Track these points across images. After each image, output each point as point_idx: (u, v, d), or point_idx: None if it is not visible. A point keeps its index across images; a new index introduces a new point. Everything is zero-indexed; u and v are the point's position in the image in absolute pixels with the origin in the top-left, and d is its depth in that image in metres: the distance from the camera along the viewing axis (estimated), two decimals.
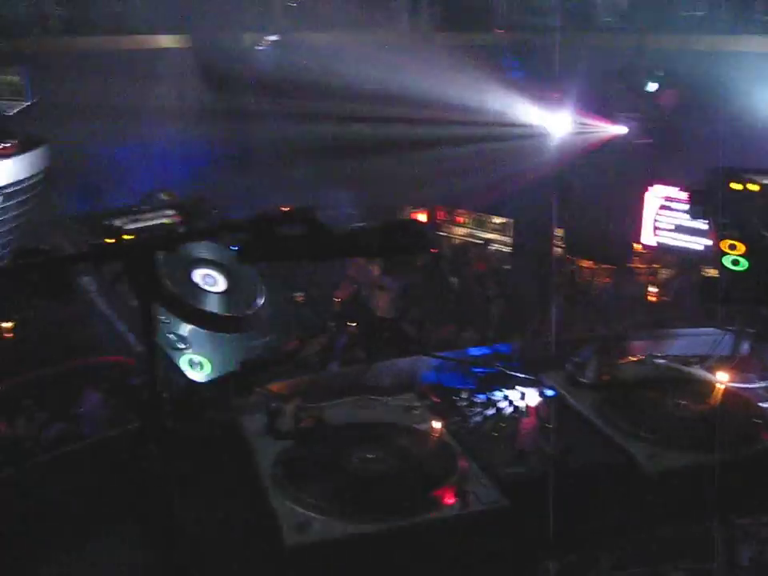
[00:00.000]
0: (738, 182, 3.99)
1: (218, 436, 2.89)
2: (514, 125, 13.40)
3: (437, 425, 3.06)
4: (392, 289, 14.21)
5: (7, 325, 13.09)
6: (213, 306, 2.59)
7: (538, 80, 13.12)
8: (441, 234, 20.21)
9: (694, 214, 4.02)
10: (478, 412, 3.19)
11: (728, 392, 3.47)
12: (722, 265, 3.68)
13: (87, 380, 11.12)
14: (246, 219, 1.94)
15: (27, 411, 10.22)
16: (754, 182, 4.02)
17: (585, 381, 3.52)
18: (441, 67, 13.66)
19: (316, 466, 2.69)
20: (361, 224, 2.04)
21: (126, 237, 2.53)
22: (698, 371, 3.78)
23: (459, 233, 20.09)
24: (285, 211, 1.96)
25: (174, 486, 2.13)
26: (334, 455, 2.71)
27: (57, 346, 12.46)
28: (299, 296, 2.43)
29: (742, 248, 3.71)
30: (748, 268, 3.65)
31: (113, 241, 2.45)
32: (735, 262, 3.68)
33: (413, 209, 18.29)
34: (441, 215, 19.84)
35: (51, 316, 12.51)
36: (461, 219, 20.01)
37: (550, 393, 3.40)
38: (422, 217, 18.91)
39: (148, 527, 2.63)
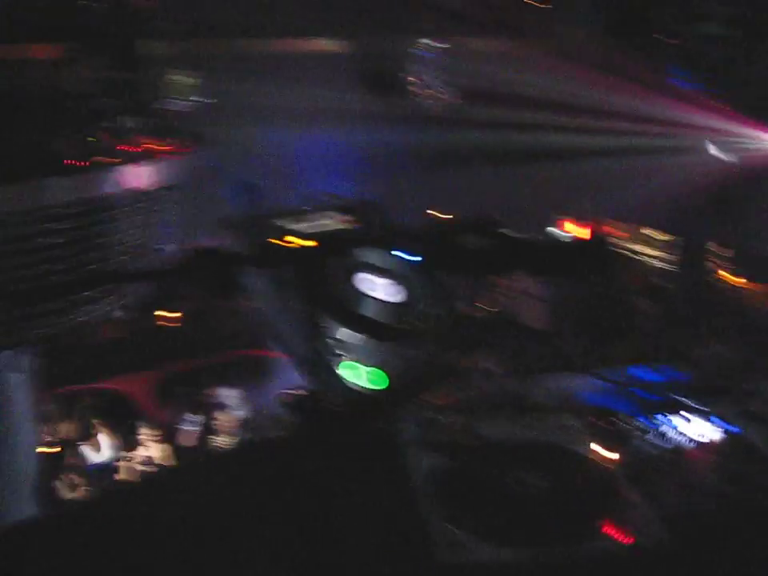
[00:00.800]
0: None
1: (373, 444, 2.84)
2: (679, 136, 12.86)
3: (600, 450, 2.89)
4: (544, 298, 13.90)
5: (174, 315, 13.74)
6: (376, 313, 2.51)
7: (705, 90, 12.53)
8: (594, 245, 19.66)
9: None
10: (646, 440, 2.99)
11: None
12: None
13: (238, 372, 11.50)
14: (426, 227, 1.84)
15: (183, 399, 10.64)
16: None
17: (757, 411, 3.26)
18: (605, 76, 13.30)
19: (471, 483, 2.58)
20: (547, 238, 1.92)
21: (292, 238, 2.50)
22: None
23: (620, 247, 19.50)
24: (469, 220, 1.84)
25: (330, 490, 2.09)
26: (490, 474, 2.59)
27: (215, 337, 12.96)
28: (464, 308, 2.34)
29: None
30: None
31: (280, 242, 2.42)
32: None
33: (573, 221, 17.89)
34: (602, 229, 19.30)
35: (214, 309, 13.04)
36: (613, 231, 19.42)
37: (725, 426, 3.16)
38: (584, 230, 18.46)
39: (303, 529, 2.60)
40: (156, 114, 9.20)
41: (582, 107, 14.32)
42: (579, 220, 18.01)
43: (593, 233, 18.96)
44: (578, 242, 2.04)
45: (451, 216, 13.98)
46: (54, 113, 8.13)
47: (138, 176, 7.56)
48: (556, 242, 2.08)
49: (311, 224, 2.70)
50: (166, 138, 8.67)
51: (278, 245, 2.43)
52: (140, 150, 8.19)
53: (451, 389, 2.86)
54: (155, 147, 8.44)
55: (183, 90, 10.05)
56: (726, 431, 3.15)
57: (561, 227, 18.11)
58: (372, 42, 13.46)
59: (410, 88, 13.48)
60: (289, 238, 2.55)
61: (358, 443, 2.73)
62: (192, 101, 9.43)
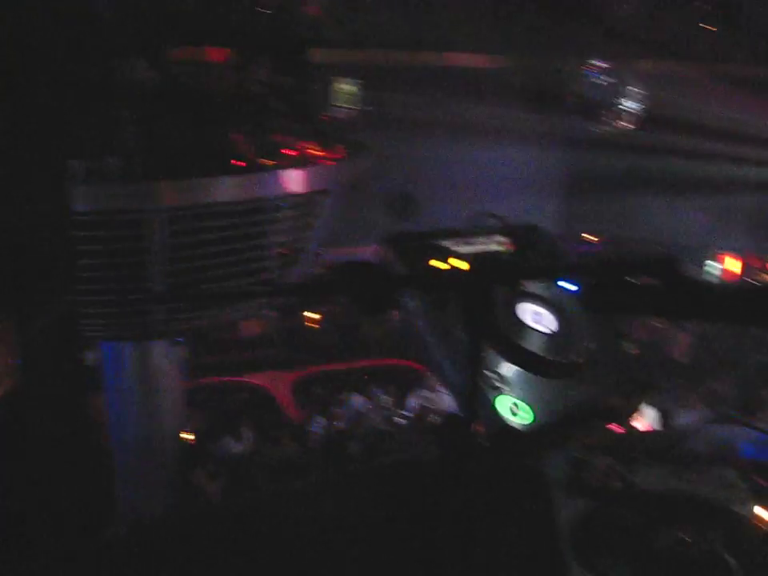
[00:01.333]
0: None
1: (518, 481, 2.74)
2: None
3: (761, 512, 2.67)
4: (691, 332, 13.28)
5: (315, 316, 14.01)
6: (538, 346, 2.40)
7: None
8: (749, 281, 18.68)
9: None
10: None
11: None
12: None
13: (376, 379, 11.57)
14: (596, 261, 1.73)
15: (320, 401, 10.80)
16: None
17: None
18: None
19: (621, 535, 2.42)
20: (723, 282, 1.76)
21: (453, 260, 2.43)
22: None
23: None
24: (643, 259, 1.72)
25: (468, 523, 2.01)
26: (643, 527, 2.43)
27: (353, 342, 13.11)
28: (632, 348, 2.21)
29: None
30: None
31: (440, 262, 2.36)
32: None
33: (725, 252, 17.05)
34: (754, 263, 18.32)
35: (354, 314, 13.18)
36: None
37: None
38: (736, 263, 17.57)
39: (436, 560, 2.53)
40: (318, 120, 9.37)
41: (750, 136, 13.65)
42: (740, 255, 17.15)
43: (746, 269, 18.02)
44: (757, 288, 1.86)
45: (615, 244, 13.64)
46: (225, 114, 8.41)
47: (299, 180, 7.71)
48: (737, 287, 1.90)
49: (473, 247, 2.62)
50: (326, 144, 8.81)
51: (438, 266, 2.37)
52: (301, 154, 8.36)
53: (605, 430, 2.71)
54: (316, 152, 8.59)
55: (345, 98, 10.21)
56: None
57: (720, 261, 17.29)
58: (542, 61, 13.27)
59: (579, 109, 13.19)
60: (450, 260, 2.48)
61: (502, 478, 2.63)
62: (353, 109, 9.55)
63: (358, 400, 10.71)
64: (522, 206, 12.41)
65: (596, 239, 14.37)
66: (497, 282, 1.71)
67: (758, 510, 2.66)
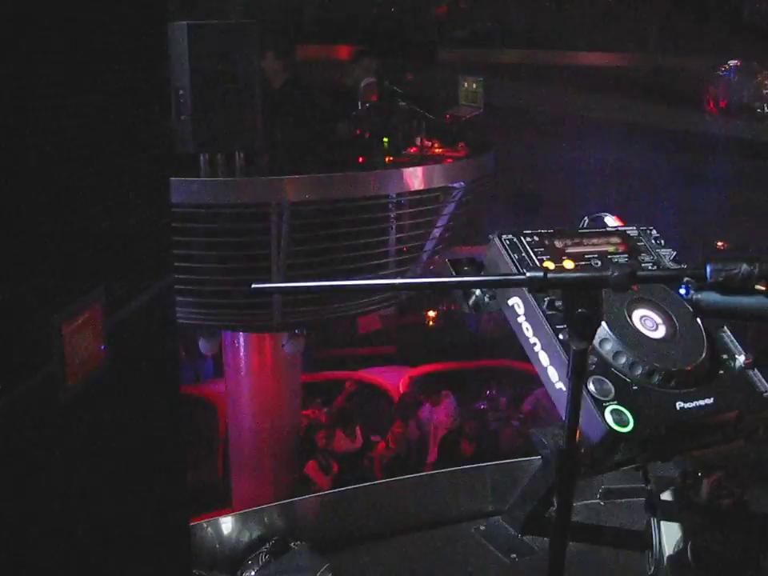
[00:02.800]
0: None
1: (627, 496, 2.66)
2: None
3: None
4: None
5: (432, 314, 14.08)
6: (648, 354, 2.31)
7: None
8: None
9: None
10: None
11: None
12: None
13: (493, 379, 11.49)
14: (716, 267, 1.64)
15: (434, 400, 10.79)
16: None
17: None
18: None
19: (730, 560, 2.30)
20: None
21: (567, 261, 2.37)
22: None
23: None
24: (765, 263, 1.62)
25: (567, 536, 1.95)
26: (755, 551, 2.30)
27: (469, 341, 13.07)
28: (749, 358, 2.07)
29: None
30: None
31: (552, 264, 2.31)
32: None
33: None
34: None
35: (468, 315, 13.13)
36: None
37: None
38: None
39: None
40: (442, 117, 9.38)
41: None
42: None
43: None
44: None
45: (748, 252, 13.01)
46: (352, 111, 8.53)
47: (421, 177, 7.74)
48: None
49: (587, 248, 2.55)
50: (450, 142, 8.81)
51: (550, 268, 2.31)
52: (427, 152, 8.40)
53: (721, 445, 2.58)
54: (439, 150, 8.60)
55: (470, 96, 10.16)
56: None
57: None
58: (677, 60, 12.85)
59: (711, 108, 12.72)
60: (565, 261, 2.42)
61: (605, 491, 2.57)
62: (477, 107, 9.49)
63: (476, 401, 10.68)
64: (644, 208, 12.12)
65: (725, 246, 13.79)
66: (610, 286, 1.64)
67: None
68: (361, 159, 7.89)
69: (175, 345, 2.37)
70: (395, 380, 11.80)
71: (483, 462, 3.41)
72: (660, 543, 2.37)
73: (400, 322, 13.85)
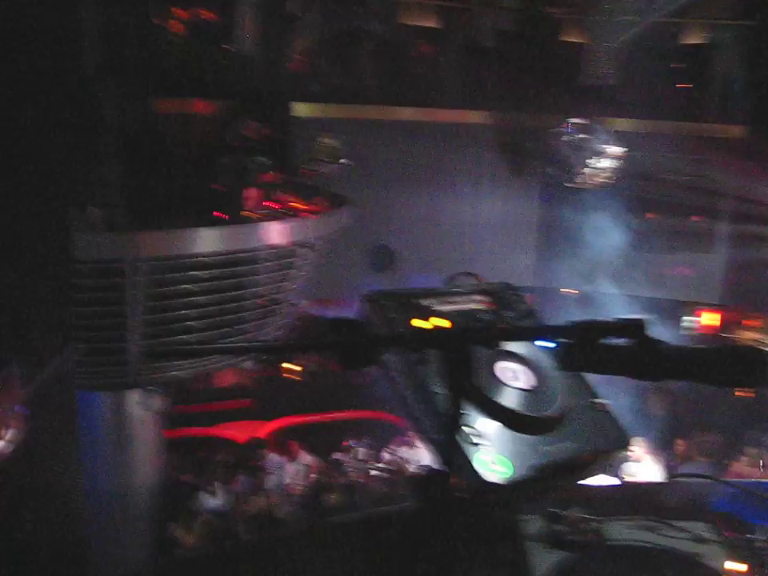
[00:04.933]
0: None
1: (495, 535, 2.79)
2: None
3: (733, 566, 2.73)
4: (668, 389, 13.47)
5: (296, 368, 14.01)
6: (514, 403, 2.47)
7: None
8: (725, 336, 18.94)
9: None
10: None
11: None
12: None
13: (353, 431, 11.57)
14: (571, 324, 1.84)
15: (293, 452, 10.76)
16: None
17: None
18: (751, 163, 12.95)
19: None
20: (698, 346, 1.87)
21: (435, 320, 2.52)
22: None
23: (746, 337, 18.71)
24: (615, 322, 1.83)
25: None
26: None
27: (330, 394, 13.11)
28: (600, 403, 2.27)
29: None
30: None
31: (423, 323, 2.45)
32: None
33: (702, 306, 17.32)
34: (732, 316, 18.61)
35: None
36: (751, 323, 18.65)
37: None
38: (713, 317, 17.83)
39: None
40: (300, 173, 9.52)
41: (725, 193, 13.98)
42: (718, 310, 17.41)
43: (721, 319, 18.30)
44: (730, 351, 1.94)
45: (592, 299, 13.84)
46: (208, 165, 8.54)
47: (280, 232, 7.82)
48: (706, 350, 2.00)
49: (453, 306, 2.70)
50: (308, 198, 8.95)
51: (420, 325, 2.45)
52: (283, 207, 8.49)
53: (582, 484, 2.79)
54: (298, 206, 8.73)
55: (327, 152, 10.38)
56: None
57: (698, 316, 17.55)
58: (521, 118, 13.57)
59: (557, 165, 13.48)
60: (432, 320, 2.56)
61: (480, 532, 2.69)
62: (336, 163, 9.72)
63: (341, 451, 10.72)
64: (499, 260, 12.68)
65: (574, 293, 14.55)
66: (477, 342, 1.79)
67: (728, 564, 2.73)
68: (221, 214, 7.90)
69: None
70: (256, 435, 11.67)
71: (343, 512, 3.47)
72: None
73: (261, 375, 13.75)
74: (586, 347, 1.82)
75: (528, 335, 2.31)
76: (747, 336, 18.70)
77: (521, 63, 13.74)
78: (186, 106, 10.82)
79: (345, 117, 12.83)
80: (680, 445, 11.30)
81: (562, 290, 14.68)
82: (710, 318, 17.81)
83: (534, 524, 2.76)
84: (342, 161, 9.45)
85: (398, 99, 13.56)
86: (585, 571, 2.57)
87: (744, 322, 18.76)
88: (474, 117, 14.21)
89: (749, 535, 3.01)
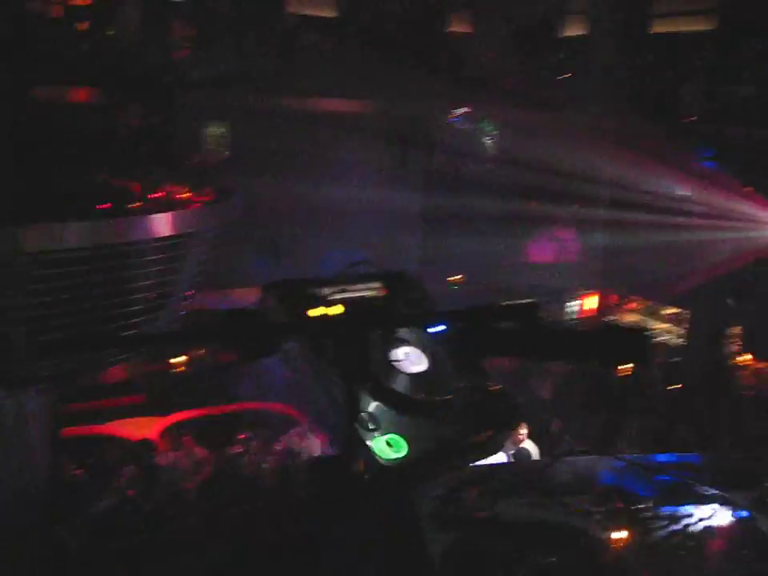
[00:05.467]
0: None
1: (392, 516, 2.85)
2: (699, 215, 12.96)
3: (618, 534, 2.89)
4: (567, 378, 13.91)
5: (179, 360, 13.75)
6: (409, 388, 2.54)
7: (730, 172, 12.66)
8: (607, 319, 19.71)
9: None
10: (663, 526, 2.98)
11: None
12: None
13: (246, 423, 11.49)
14: (463, 309, 1.91)
15: (186, 447, 10.62)
16: None
17: None
18: (632, 153, 13.49)
19: (488, 563, 2.58)
20: (584, 327, 1.97)
21: (333, 308, 2.55)
22: None
23: (629, 320, 19.53)
24: (505, 306, 1.91)
25: (344, 560, 2.10)
26: (508, 554, 2.59)
27: (229, 387, 12.96)
28: (491, 385, 2.36)
29: None
30: None
31: (320, 311, 2.48)
32: None
33: (583, 291, 17.96)
34: (611, 300, 19.36)
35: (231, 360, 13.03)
36: (632, 306, 19.46)
37: (741, 514, 3.14)
38: (593, 300, 18.49)
39: None
40: (186, 162, 9.37)
41: (606, 181, 14.51)
42: (599, 294, 18.08)
43: (606, 307, 19.05)
44: (611, 329, 2.07)
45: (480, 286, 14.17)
46: (88, 156, 8.29)
47: (165, 223, 7.66)
48: (593, 331, 2.11)
49: (347, 294, 2.74)
50: (194, 187, 8.81)
51: (313, 314, 2.48)
52: (169, 197, 8.33)
53: (474, 465, 2.88)
54: (183, 195, 8.58)
55: (214, 140, 10.24)
56: (738, 517, 3.14)
57: (581, 300, 18.18)
58: (405, 106, 13.71)
59: (442, 152, 13.71)
60: (328, 308, 2.60)
61: (377, 514, 2.75)
62: (222, 151, 9.60)
63: (235, 444, 10.62)
64: (389, 247, 12.81)
65: (460, 281, 14.84)
66: (370, 328, 1.84)
67: (614, 533, 2.88)
68: (104, 206, 7.69)
69: None
70: (149, 430, 11.45)
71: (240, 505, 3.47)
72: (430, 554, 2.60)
73: (154, 369, 13.47)
74: (478, 331, 1.90)
75: (422, 321, 2.37)
76: (628, 318, 19.52)
77: (406, 52, 13.89)
78: (67, 94, 10.48)
79: (232, 105, 12.68)
80: (563, 424, 11.74)
81: (449, 278, 14.95)
82: (590, 302, 18.50)
83: (429, 504, 2.85)
84: (225, 149, 9.34)
85: (285, 87, 13.48)
86: (479, 548, 2.66)
87: (625, 305, 19.58)
88: (361, 106, 14.28)
89: (632, 506, 3.18)
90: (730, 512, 3.17)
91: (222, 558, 3.09)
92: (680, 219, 13.33)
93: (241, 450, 10.50)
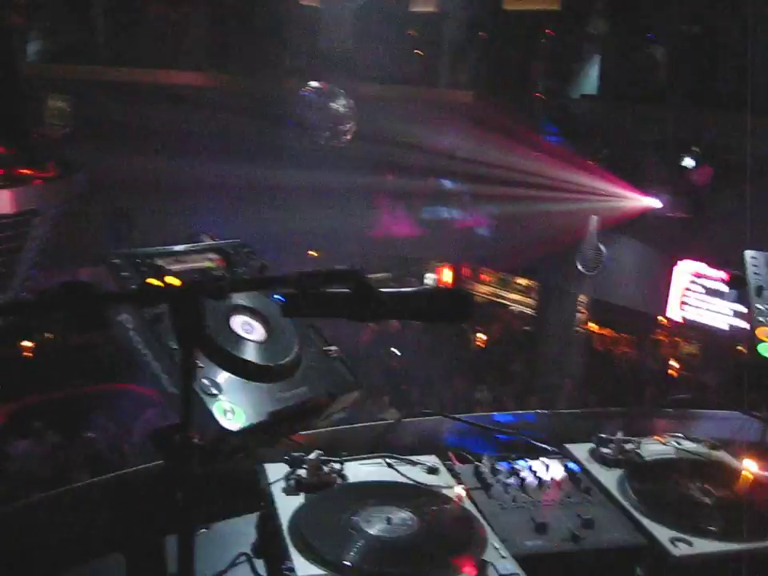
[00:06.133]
0: None
1: (240, 484, 2.89)
2: (546, 188, 13.47)
3: (458, 489, 3.02)
4: (411, 343, 14.26)
5: (28, 344, 13.22)
6: (249, 354, 2.59)
7: (575, 147, 13.21)
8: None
9: (732, 297, 3.99)
10: (501, 480, 3.14)
11: (755, 479, 3.40)
12: (756, 352, 3.64)
13: (99, 405, 11.20)
14: (294, 274, 1.96)
15: (38, 433, 10.26)
16: None
17: (608, 456, 3.46)
18: (478, 127, 13.84)
19: (334, 523, 2.65)
20: (408, 289, 2.07)
21: (169, 278, 2.55)
22: (723, 455, 3.73)
23: (483, 291, 20.16)
24: (333, 270, 1.98)
25: (193, 530, 2.12)
26: (354, 514, 2.68)
27: (73, 369, 12.57)
28: (332, 350, 2.43)
29: None
30: None
31: (156, 281, 2.47)
32: None
33: (438, 263, 18.39)
34: (466, 272, 19.91)
35: (77, 342, 12.62)
36: (485, 278, 20.08)
37: (573, 467, 3.35)
38: (448, 272, 18.97)
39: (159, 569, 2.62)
40: (28, 137, 8.99)
41: (459, 156, 14.82)
42: (445, 263, 18.53)
43: (461, 279, 19.61)
44: (438, 292, 2.18)
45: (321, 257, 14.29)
46: None
47: (8, 201, 7.36)
48: (417, 292, 2.22)
49: (186, 264, 2.75)
50: (37, 163, 8.48)
51: (154, 284, 2.47)
52: (9, 173, 8.00)
53: (318, 429, 2.96)
54: (25, 172, 8.25)
55: (58, 114, 9.85)
56: (571, 469, 3.34)
57: (438, 273, 18.62)
58: (261, 81, 13.57)
59: (294, 127, 13.67)
60: (166, 278, 2.59)
61: (222, 480, 2.78)
62: (64, 126, 9.25)
63: (85, 425, 10.36)
64: (241, 221, 12.72)
65: (318, 254, 14.91)
66: (205, 295, 1.87)
67: (457, 488, 3.01)
68: None
69: None
70: None
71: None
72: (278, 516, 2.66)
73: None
74: (307, 295, 1.96)
75: (253, 286, 2.40)
76: (481, 289, 20.14)
77: (259, 26, 13.74)
78: None
79: (76, 77, 12.20)
80: (422, 391, 12.07)
81: (309, 252, 15.01)
82: (446, 274, 18.99)
83: (275, 469, 2.89)
84: (69, 123, 9.01)
85: (131, 60, 13.09)
86: (326, 511, 2.73)
87: (479, 276, 20.19)
88: (213, 80, 14.05)
89: (475, 463, 3.33)
90: (564, 464, 3.37)
91: (67, 530, 3.03)
92: (530, 192, 13.81)
93: (93, 432, 10.26)
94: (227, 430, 2.36)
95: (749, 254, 4.06)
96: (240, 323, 2.60)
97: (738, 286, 3.94)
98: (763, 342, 3.64)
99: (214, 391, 2.40)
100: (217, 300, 1.91)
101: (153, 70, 13.46)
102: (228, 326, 2.56)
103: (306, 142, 13.48)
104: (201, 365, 2.39)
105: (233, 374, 2.50)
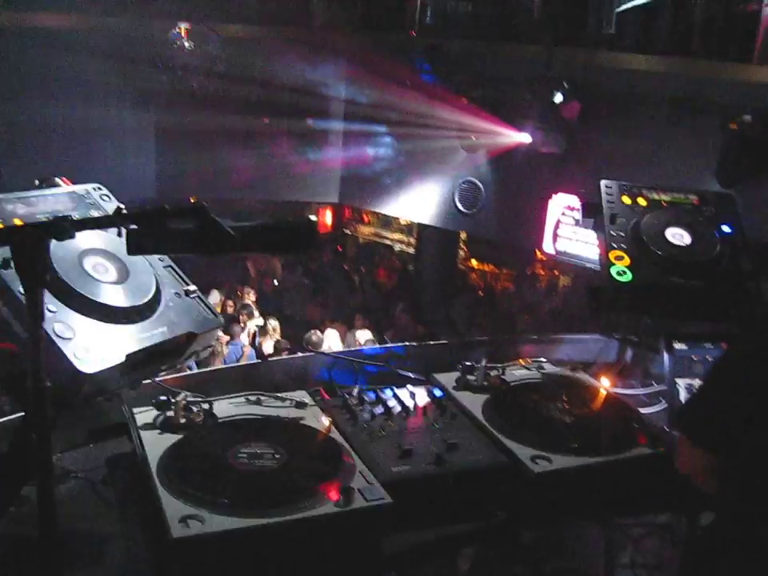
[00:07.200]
0: (629, 196, 4.18)
1: (104, 428, 2.87)
2: (419, 126, 13.53)
3: (325, 421, 3.10)
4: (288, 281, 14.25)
5: None
6: (104, 296, 2.56)
7: (447, 84, 13.27)
8: (346, 232, 20.36)
9: (586, 225, 4.18)
10: (367, 410, 3.24)
11: (610, 397, 3.61)
12: (609, 274, 3.84)
13: None
14: (136, 210, 1.95)
15: None
16: (643, 197, 4.22)
17: (473, 383, 3.61)
18: (352, 65, 13.78)
19: (203, 460, 2.69)
20: (255, 222, 2.08)
21: (18, 221, 2.49)
22: (583, 376, 3.94)
23: (365, 232, 20.29)
24: (175, 205, 1.98)
25: (54, 476, 2.11)
26: (222, 450, 2.72)
27: None
28: (191, 289, 2.41)
29: (627, 260, 3.87)
30: (632, 279, 3.81)
31: (1, 226, 2.41)
32: (621, 273, 3.83)
33: (318, 206, 18.33)
34: (347, 214, 19.96)
35: None
36: (367, 219, 20.20)
37: (438, 393, 3.48)
38: (328, 214, 18.96)
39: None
40: None
41: (335, 96, 14.72)
42: (325, 204, 18.48)
43: (343, 221, 19.65)
44: (281, 223, 2.20)
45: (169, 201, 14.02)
46: None
47: None
48: (261, 224, 2.23)
49: (38, 209, 2.69)
50: None
51: (3, 228, 2.41)
52: None
53: (184, 369, 2.97)
54: None
55: None
56: (435, 395, 3.47)
57: (319, 215, 18.56)
58: (127, 23, 13.06)
59: (167, 69, 13.26)
60: (16, 221, 2.53)
61: (86, 424, 2.76)
62: None
63: None
64: (118, 168, 12.34)
65: (195, 199, 14.64)
66: (49, 237, 1.84)
67: (322, 419, 3.09)
68: None
69: None
70: None
71: None
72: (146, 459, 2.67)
73: None
74: (152, 231, 1.95)
75: (96, 224, 2.38)
76: (363, 230, 20.26)
77: None
78: None
79: None
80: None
81: (187, 197, 14.72)
82: (328, 216, 18.99)
83: (142, 414, 2.90)
84: None
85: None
86: (194, 450, 2.76)
87: (360, 217, 20.27)
88: (83, 22, 13.46)
89: (344, 395, 3.42)
90: (428, 391, 3.49)
91: None
92: (407, 131, 13.86)
93: None
94: (82, 372, 2.34)
95: (604, 183, 4.25)
96: (92, 265, 2.56)
97: (594, 214, 4.13)
98: (614, 264, 3.84)
99: (69, 335, 2.37)
100: (61, 240, 1.87)
101: (19, 12, 12.79)
102: (81, 268, 2.52)
103: (176, 84, 13.11)
104: (53, 308, 2.36)
105: (88, 316, 2.47)
